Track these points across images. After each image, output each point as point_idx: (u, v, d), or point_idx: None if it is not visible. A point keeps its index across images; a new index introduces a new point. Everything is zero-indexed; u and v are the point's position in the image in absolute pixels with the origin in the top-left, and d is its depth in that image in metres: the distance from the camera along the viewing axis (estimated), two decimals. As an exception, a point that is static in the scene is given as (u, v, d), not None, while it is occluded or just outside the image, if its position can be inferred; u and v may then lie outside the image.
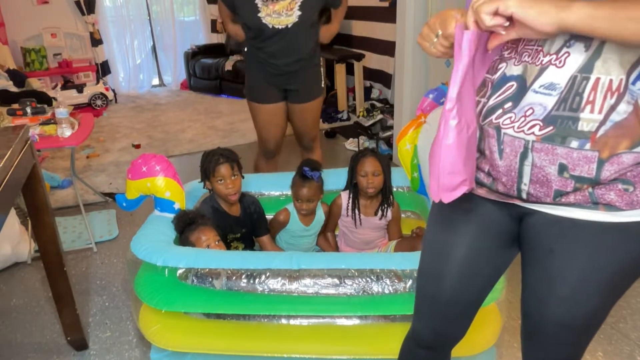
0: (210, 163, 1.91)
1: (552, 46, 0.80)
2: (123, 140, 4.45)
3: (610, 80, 0.76)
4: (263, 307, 1.54)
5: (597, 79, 0.76)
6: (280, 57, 2.32)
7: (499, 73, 0.89)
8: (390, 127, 3.83)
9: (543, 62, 0.81)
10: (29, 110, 2.64)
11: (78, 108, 4.96)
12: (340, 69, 4.78)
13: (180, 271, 1.54)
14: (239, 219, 2.02)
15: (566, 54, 0.79)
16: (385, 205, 2.05)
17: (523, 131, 0.83)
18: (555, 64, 0.80)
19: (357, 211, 2.04)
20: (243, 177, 1.98)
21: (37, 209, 1.63)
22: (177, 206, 1.84)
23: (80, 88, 5.39)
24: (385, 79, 4.73)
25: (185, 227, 1.77)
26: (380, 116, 3.99)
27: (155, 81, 6.96)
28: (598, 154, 0.78)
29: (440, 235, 1.05)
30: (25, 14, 5.54)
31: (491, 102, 0.89)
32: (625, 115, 0.76)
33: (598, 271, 0.87)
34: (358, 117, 4.31)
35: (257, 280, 1.51)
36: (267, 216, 2.12)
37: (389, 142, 3.82)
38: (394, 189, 2.12)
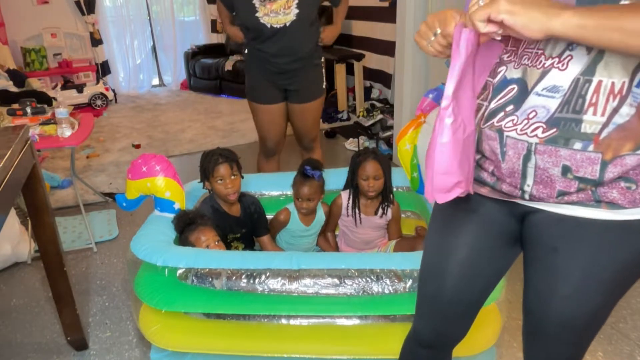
0: (209, 163, 1.91)
1: (554, 49, 0.81)
2: (123, 140, 4.45)
3: (613, 83, 0.76)
4: (263, 307, 1.54)
5: (600, 82, 0.76)
6: (280, 56, 2.31)
7: (499, 76, 0.89)
8: (390, 127, 3.83)
9: (545, 65, 0.81)
10: (29, 110, 2.64)
11: (78, 108, 4.96)
12: (340, 69, 4.78)
13: (180, 271, 1.54)
14: (239, 219, 2.02)
15: (569, 57, 0.79)
16: (386, 204, 2.05)
17: (526, 133, 0.83)
18: (557, 67, 0.80)
19: (357, 210, 2.05)
20: (242, 177, 1.98)
21: (37, 209, 1.63)
22: (177, 206, 1.84)
23: (80, 88, 5.39)
24: (385, 79, 4.74)
25: (185, 227, 1.77)
26: (380, 116, 3.99)
27: (155, 81, 6.96)
28: (601, 155, 0.78)
29: (442, 235, 1.05)
30: (25, 14, 5.54)
31: (492, 105, 0.89)
32: (628, 117, 0.76)
33: (601, 269, 0.87)
34: (358, 117, 4.31)
35: (257, 280, 1.51)
36: (267, 216, 2.12)
37: (389, 142, 3.82)
38: (394, 189, 2.13)
